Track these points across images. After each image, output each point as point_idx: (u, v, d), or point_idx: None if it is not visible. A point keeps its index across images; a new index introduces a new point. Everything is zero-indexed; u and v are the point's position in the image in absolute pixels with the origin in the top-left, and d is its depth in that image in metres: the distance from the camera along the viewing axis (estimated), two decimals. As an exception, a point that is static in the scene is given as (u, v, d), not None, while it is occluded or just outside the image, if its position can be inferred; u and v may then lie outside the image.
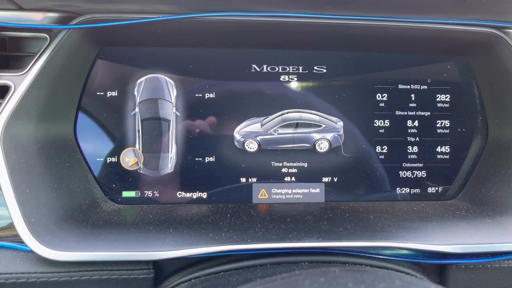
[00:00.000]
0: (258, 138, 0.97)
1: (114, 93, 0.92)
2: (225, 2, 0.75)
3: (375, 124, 0.98)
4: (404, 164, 0.99)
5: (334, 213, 0.89)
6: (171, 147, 0.94)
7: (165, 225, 0.81)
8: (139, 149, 0.94)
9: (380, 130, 0.98)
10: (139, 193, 0.94)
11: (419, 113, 0.99)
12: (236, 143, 0.96)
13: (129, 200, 0.94)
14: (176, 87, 0.94)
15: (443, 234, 0.81)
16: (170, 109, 0.94)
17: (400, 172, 0.99)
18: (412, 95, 0.99)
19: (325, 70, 0.97)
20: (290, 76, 0.96)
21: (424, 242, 0.77)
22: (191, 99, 0.95)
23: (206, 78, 0.95)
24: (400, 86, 0.98)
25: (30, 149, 0.77)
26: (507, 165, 0.92)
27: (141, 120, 0.93)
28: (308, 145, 0.98)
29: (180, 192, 0.96)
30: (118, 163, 0.93)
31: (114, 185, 0.93)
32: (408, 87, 0.99)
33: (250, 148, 0.97)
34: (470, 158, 1.00)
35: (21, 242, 0.70)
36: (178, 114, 0.95)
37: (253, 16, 0.79)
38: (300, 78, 0.97)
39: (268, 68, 0.96)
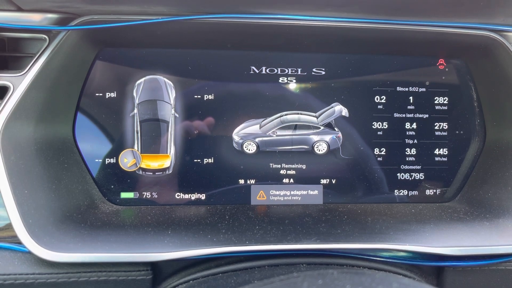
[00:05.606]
0: (257, 139, 0.97)
1: (113, 94, 0.92)
2: (224, 4, 0.75)
3: (373, 126, 0.98)
4: (402, 166, 1.00)
5: (332, 215, 0.89)
6: (170, 149, 0.94)
7: (163, 226, 0.81)
8: (138, 150, 0.94)
9: (379, 132, 0.99)
10: (138, 194, 0.94)
11: (417, 115, 0.99)
12: (234, 144, 0.96)
13: (127, 201, 0.94)
14: (175, 88, 0.94)
15: (440, 236, 0.81)
16: (169, 111, 0.94)
17: (398, 174, 1.00)
18: (411, 98, 0.99)
19: (323, 72, 0.97)
20: (288, 78, 0.97)
21: (422, 244, 0.77)
22: (190, 100, 0.95)
23: (205, 80, 0.95)
24: (398, 89, 0.99)
25: (29, 150, 0.77)
26: (505, 168, 0.92)
27: (140, 121, 0.93)
28: (306, 147, 0.98)
29: (179, 194, 0.95)
30: (116, 164, 0.93)
31: (112, 186, 0.93)
32: (407, 89, 0.99)
33: (249, 150, 0.97)
34: (468, 160, 1.00)
35: (19, 243, 0.70)
36: (177, 115, 0.95)
37: (252, 18, 0.79)
38: (299, 80, 0.97)
39: (267, 70, 0.96)
